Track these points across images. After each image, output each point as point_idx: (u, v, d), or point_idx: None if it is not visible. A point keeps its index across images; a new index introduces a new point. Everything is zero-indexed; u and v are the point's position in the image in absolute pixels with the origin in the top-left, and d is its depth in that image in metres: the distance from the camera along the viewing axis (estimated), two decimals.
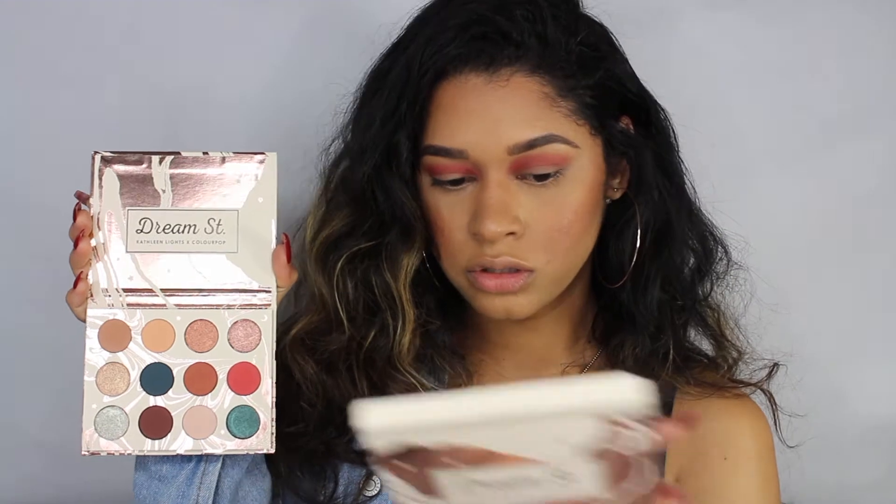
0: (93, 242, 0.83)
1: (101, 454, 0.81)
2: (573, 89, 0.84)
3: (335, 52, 0.94)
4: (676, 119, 0.91)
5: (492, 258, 0.84)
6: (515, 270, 0.85)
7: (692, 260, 0.92)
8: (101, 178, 0.84)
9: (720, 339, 0.94)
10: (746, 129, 1.08)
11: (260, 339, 0.84)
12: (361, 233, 0.88)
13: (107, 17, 1.01)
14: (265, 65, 1.05)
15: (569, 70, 0.84)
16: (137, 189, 0.84)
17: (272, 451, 0.83)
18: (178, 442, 0.82)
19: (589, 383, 0.55)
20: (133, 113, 1.01)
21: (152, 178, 0.84)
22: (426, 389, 0.88)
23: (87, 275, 0.83)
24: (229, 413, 0.82)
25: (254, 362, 0.83)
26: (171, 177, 0.84)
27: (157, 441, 0.82)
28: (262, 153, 0.85)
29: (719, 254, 0.93)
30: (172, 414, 0.82)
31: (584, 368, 0.93)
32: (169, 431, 0.82)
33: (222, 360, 0.83)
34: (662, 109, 0.90)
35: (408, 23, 0.88)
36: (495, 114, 0.83)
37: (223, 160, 0.84)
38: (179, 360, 0.83)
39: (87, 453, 0.81)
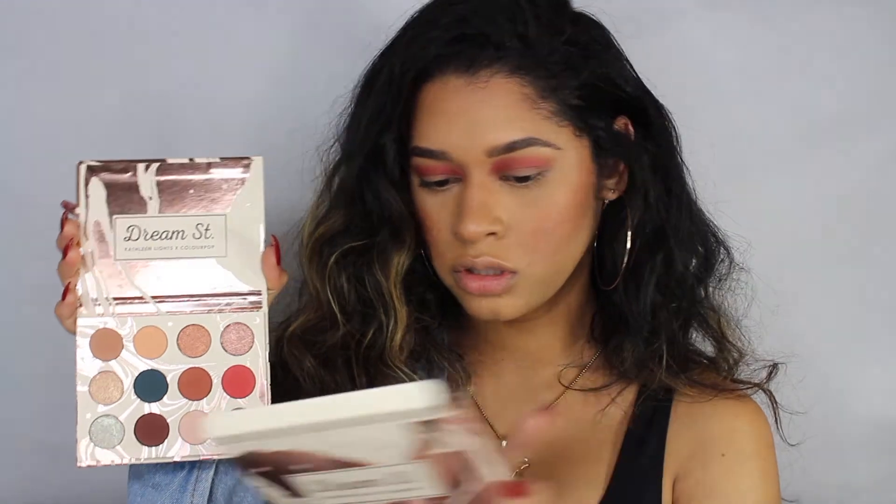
0: (81, 252, 0.83)
1: (98, 465, 0.81)
2: (556, 90, 0.84)
3: (335, 53, 0.95)
4: (676, 119, 0.91)
5: (472, 258, 0.85)
6: (500, 273, 0.85)
7: (693, 262, 0.92)
8: (87, 187, 0.83)
9: (721, 341, 0.94)
10: (746, 130, 1.09)
11: (253, 342, 0.84)
12: (354, 232, 0.89)
13: (106, 19, 1.02)
14: (265, 66, 1.05)
15: (552, 70, 0.84)
16: (124, 197, 0.84)
17: None
18: (175, 448, 0.82)
19: (384, 391, 0.58)
20: (133, 113, 1.02)
21: (139, 186, 0.84)
22: None
23: (75, 285, 0.83)
24: None
25: (248, 365, 0.83)
26: (158, 184, 0.84)
27: (153, 448, 0.81)
28: (248, 158, 0.85)
29: (721, 255, 0.93)
30: (168, 420, 0.82)
31: (583, 369, 0.94)
32: (165, 438, 0.82)
33: (216, 364, 0.83)
34: (665, 111, 0.90)
35: (400, 24, 0.89)
36: (475, 116, 0.83)
37: (209, 166, 0.85)
38: (173, 366, 0.83)
39: (83, 465, 0.81)
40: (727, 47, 1.07)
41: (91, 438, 0.81)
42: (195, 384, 0.83)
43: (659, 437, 0.90)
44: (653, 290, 0.89)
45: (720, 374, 0.93)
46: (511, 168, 0.84)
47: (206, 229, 0.84)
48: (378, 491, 0.64)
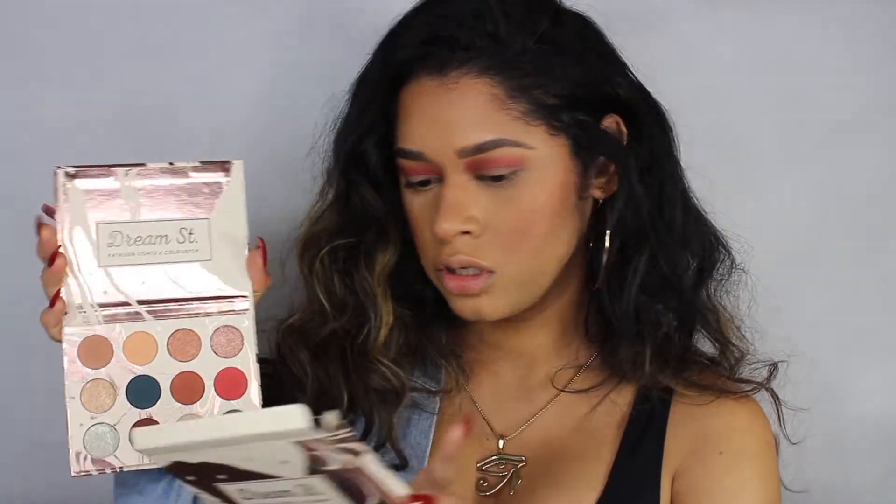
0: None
1: (92, 474, 0.81)
2: (527, 89, 0.84)
3: (336, 53, 0.95)
4: (675, 118, 0.91)
5: (448, 257, 0.86)
6: (478, 272, 0.86)
7: (690, 263, 0.91)
8: (66, 194, 0.82)
9: (722, 341, 0.93)
10: (746, 129, 1.08)
11: (242, 344, 0.85)
12: (345, 231, 0.91)
13: (107, 19, 1.00)
14: (265, 66, 1.05)
15: (523, 70, 0.84)
16: (105, 203, 0.83)
17: None
18: None
19: (257, 414, 0.65)
20: (133, 114, 1.00)
21: (120, 191, 0.83)
22: (400, 381, 0.91)
23: (61, 292, 0.82)
24: None
25: (239, 367, 0.84)
26: (139, 189, 0.83)
27: None
28: (229, 161, 0.86)
29: (721, 256, 0.92)
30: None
31: (581, 370, 0.94)
32: None
33: (207, 367, 0.84)
34: (661, 110, 0.90)
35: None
36: (446, 117, 0.84)
37: (189, 170, 0.84)
38: (165, 371, 0.83)
39: (77, 474, 0.80)
40: (727, 46, 1.06)
41: (85, 446, 0.80)
42: (188, 388, 0.83)
43: (657, 436, 0.90)
44: (637, 291, 0.89)
45: (721, 373, 0.92)
46: (484, 168, 0.84)
47: (190, 233, 0.84)
48: (296, 502, 0.68)
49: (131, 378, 0.82)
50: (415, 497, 0.68)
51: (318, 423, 0.61)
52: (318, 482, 0.66)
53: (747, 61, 1.08)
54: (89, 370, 0.82)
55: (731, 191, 0.99)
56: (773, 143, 1.09)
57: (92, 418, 0.81)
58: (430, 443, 0.92)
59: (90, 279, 0.82)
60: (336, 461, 0.64)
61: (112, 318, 0.82)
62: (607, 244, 0.89)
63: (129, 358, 0.82)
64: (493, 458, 0.91)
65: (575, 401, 0.93)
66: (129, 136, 1.01)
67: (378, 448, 0.90)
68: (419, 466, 0.89)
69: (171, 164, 0.84)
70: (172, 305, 0.84)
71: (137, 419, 0.82)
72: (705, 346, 0.94)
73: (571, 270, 0.91)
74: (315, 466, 0.64)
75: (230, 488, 0.67)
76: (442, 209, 0.85)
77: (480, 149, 0.84)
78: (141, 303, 0.83)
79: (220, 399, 0.84)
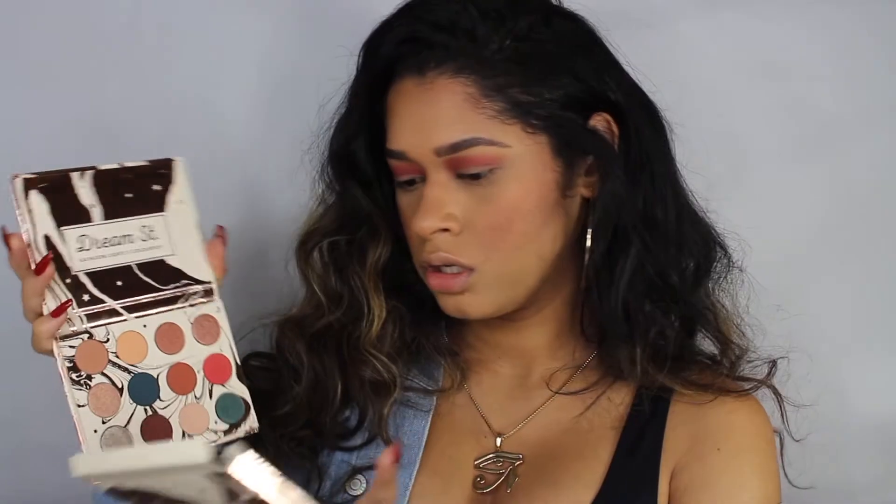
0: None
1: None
2: (502, 88, 0.84)
3: (336, 53, 0.93)
4: (674, 118, 0.91)
5: (429, 254, 0.87)
6: (460, 271, 0.86)
7: (686, 263, 0.91)
8: (28, 202, 0.79)
9: (722, 340, 0.93)
10: (745, 129, 1.08)
11: (220, 329, 0.87)
12: (339, 228, 0.93)
13: (106, 19, 0.96)
14: (264, 67, 1.03)
15: (499, 68, 0.84)
16: (67, 207, 0.81)
17: (257, 427, 0.87)
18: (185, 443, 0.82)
19: (164, 447, 0.66)
20: (132, 114, 0.95)
21: (78, 196, 0.82)
22: (392, 374, 0.93)
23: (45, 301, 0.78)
24: (217, 403, 0.85)
25: (221, 352, 0.86)
26: (96, 191, 0.83)
27: None
28: (171, 159, 0.87)
29: (718, 255, 0.92)
30: (169, 418, 0.82)
31: (579, 370, 0.94)
32: (171, 436, 0.82)
33: (195, 356, 0.85)
34: (653, 108, 0.90)
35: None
36: (423, 117, 0.85)
37: (138, 169, 0.85)
38: (158, 366, 0.83)
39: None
40: (727, 46, 1.06)
41: (104, 450, 0.78)
42: (182, 379, 0.84)
43: (656, 436, 0.89)
44: (624, 291, 0.88)
45: (721, 372, 0.92)
46: (461, 166, 0.85)
47: (151, 230, 0.85)
48: None
49: (129, 378, 0.81)
50: None
51: (220, 457, 0.62)
52: None
53: (747, 61, 1.08)
54: (90, 375, 0.80)
55: (730, 191, 0.99)
56: (773, 143, 1.08)
57: (104, 423, 0.79)
58: (424, 441, 0.92)
59: (70, 286, 0.80)
60: (247, 493, 0.64)
61: (99, 323, 0.81)
62: (589, 243, 0.88)
63: (124, 358, 0.82)
64: (491, 455, 0.92)
65: (573, 400, 0.93)
66: (129, 136, 0.97)
67: (370, 441, 0.92)
68: (410, 463, 0.91)
69: (121, 164, 0.85)
70: (151, 302, 0.84)
71: (145, 416, 0.81)
72: (706, 345, 0.94)
73: (565, 270, 0.91)
74: (233, 496, 0.65)
75: None
76: (421, 207, 0.86)
77: (456, 147, 0.84)
78: (122, 304, 0.82)
79: (212, 384, 0.85)
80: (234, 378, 0.87)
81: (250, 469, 0.62)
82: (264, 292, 1.01)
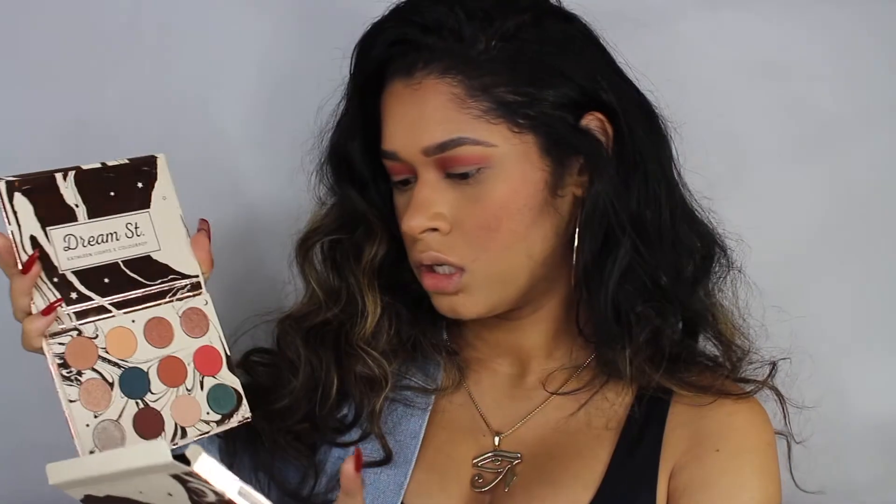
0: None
1: None
2: (488, 88, 0.84)
3: (335, 54, 0.94)
4: (674, 118, 0.91)
5: (419, 253, 0.88)
6: (452, 272, 0.87)
7: (688, 263, 0.90)
8: (12, 204, 0.81)
9: (722, 341, 0.93)
10: (745, 129, 1.08)
11: (208, 322, 0.88)
12: (337, 228, 0.95)
13: (106, 18, 0.97)
14: (263, 67, 1.04)
15: (485, 68, 0.84)
16: (52, 207, 0.82)
17: (250, 417, 0.88)
18: (178, 436, 0.83)
19: (123, 451, 0.66)
20: (132, 114, 0.97)
21: (62, 196, 0.83)
22: (384, 370, 0.93)
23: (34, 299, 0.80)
24: (208, 394, 0.86)
25: (211, 344, 0.88)
26: (79, 191, 0.84)
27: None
28: (153, 156, 0.88)
29: (717, 255, 0.92)
30: (160, 411, 0.83)
31: (578, 370, 0.94)
32: (163, 429, 0.83)
33: (184, 349, 0.86)
34: (650, 107, 0.90)
35: None
36: (412, 118, 0.86)
37: (121, 168, 0.86)
38: (148, 360, 0.84)
39: None
40: (727, 46, 1.06)
41: (97, 444, 0.80)
42: (173, 372, 0.85)
43: (656, 437, 0.89)
44: (614, 291, 0.87)
45: (722, 374, 0.91)
46: (449, 166, 0.85)
47: (136, 227, 0.86)
48: None
49: (120, 372, 0.83)
50: None
51: (183, 458, 0.63)
52: None
53: (747, 61, 1.08)
54: (80, 371, 0.81)
55: (730, 191, 0.99)
56: (773, 143, 1.09)
57: (95, 417, 0.80)
58: (421, 439, 0.93)
59: (57, 284, 0.81)
60: (210, 494, 0.65)
61: (87, 320, 0.82)
62: (576, 243, 0.88)
63: (114, 353, 0.83)
64: (489, 454, 0.92)
65: (572, 400, 0.93)
66: (129, 136, 0.98)
67: (365, 437, 0.93)
68: (405, 462, 0.92)
69: (103, 163, 0.86)
70: (138, 298, 0.85)
71: (136, 410, 0.82)
72: (709, 347, 0.94)
73: (560, 269, 0.90)
74: (196, 499, 0.66)
75: None
76: (410, 207, 0.87)
77: (442, 147, 0.85)
78: (110, 300, 0.84)
79: (203, 376, 0.86)
80: (224, 369, 0.88)
81: (213, 467, 0.63)
82: (264, 292, 1.03)
